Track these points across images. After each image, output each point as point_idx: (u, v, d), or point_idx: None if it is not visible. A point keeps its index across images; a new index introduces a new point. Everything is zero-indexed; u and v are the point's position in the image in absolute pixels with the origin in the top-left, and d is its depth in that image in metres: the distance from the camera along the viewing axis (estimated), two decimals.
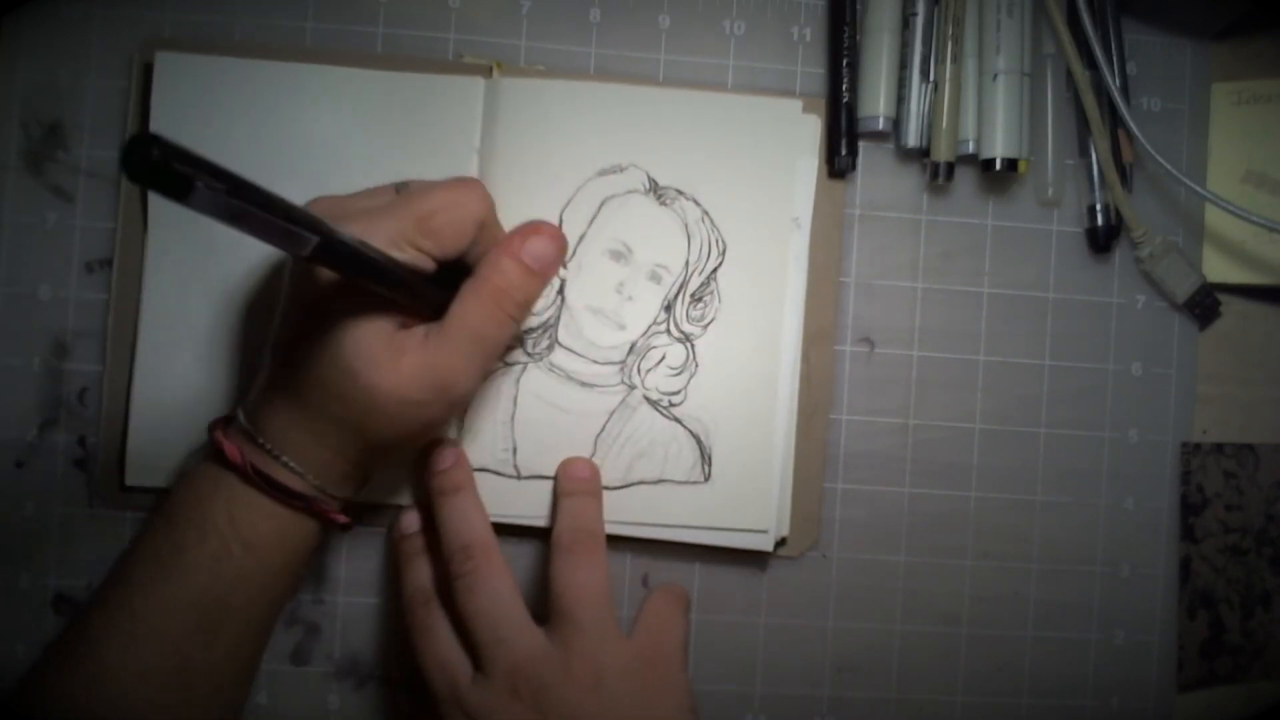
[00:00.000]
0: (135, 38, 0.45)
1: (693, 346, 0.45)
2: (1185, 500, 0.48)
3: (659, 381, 0.45)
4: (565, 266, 0.45)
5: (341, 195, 0.39)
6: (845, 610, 0.47)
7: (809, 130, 0.46)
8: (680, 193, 0.45)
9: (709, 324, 0.46)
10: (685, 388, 0.45)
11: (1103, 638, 0.48)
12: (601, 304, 0.45)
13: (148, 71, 0.44)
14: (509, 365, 0.45)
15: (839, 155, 0.46)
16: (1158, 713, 0.48)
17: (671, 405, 0.45)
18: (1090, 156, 0.47)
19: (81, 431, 0.45)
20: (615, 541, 0.45)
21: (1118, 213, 0.47)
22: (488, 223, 0.38)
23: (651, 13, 0.47)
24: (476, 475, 0.44)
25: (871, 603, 0.47)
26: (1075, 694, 0.48)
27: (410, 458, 0.44)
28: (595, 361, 0.45)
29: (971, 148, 0.46)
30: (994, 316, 0.48)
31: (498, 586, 0.41)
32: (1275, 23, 0.48)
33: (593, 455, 0.45)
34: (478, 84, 0.45)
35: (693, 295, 0.46)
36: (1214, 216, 0.48)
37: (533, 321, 0.45)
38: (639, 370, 0.45)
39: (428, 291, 0.37)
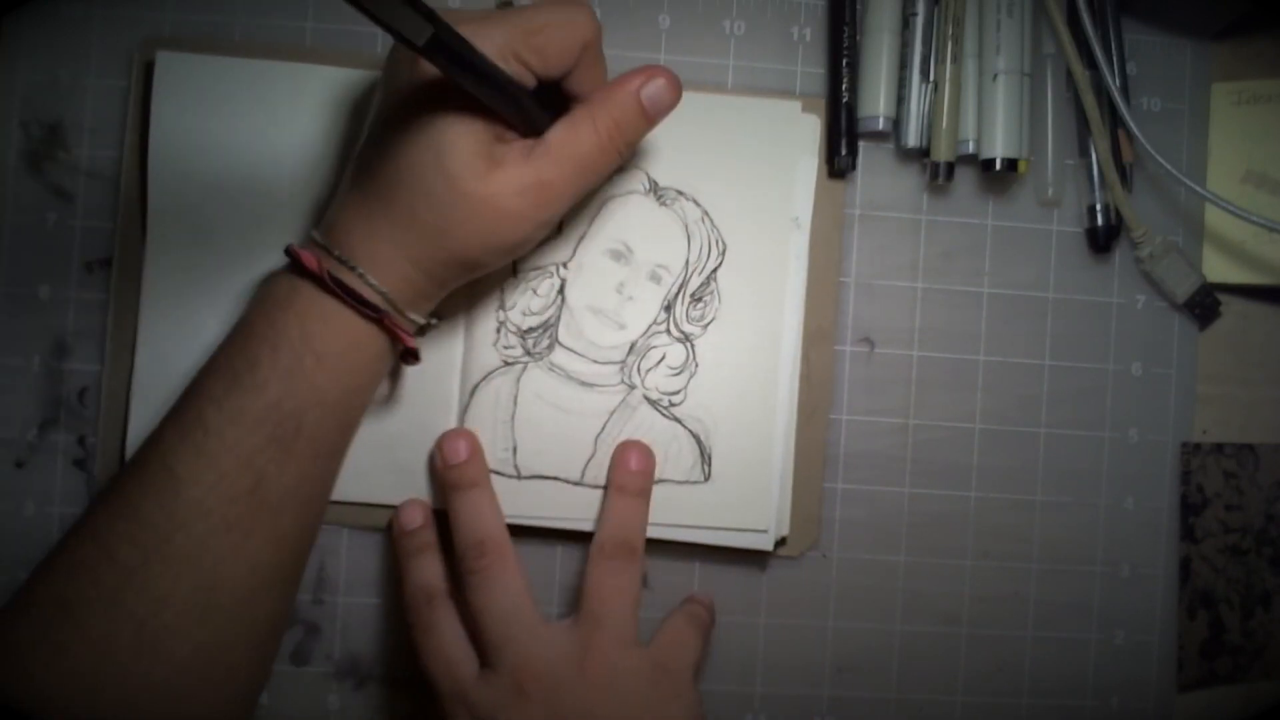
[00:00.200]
0: (135, 37, 0.45)
1: (693, 346, 0.45)
2: (1185, 500, 0.49)
3: (659, 381, 0.45)
4: (565, 266, 0.45)
5: (447, 9, 0.37)
6: (845, 610, 0.47)
7: (809, 130, 0.46)
8: (680, 193, 0.46)
9: (709, 324, 0.46)
10: (685, 388, 0.45)
11: (1103, 638, 0.48)
12: (602, 304, 0.45)
13: (148, 71, 0.44)
14: (509, 365, 0.45)
15: (839, 155, 0.46)
16: (1158, 713, 0.48)
17: (671, 405, 0.45)
18: (1090, 156, 0.48)
19: (81, 431, 0.45)
20: None
21: (1118, 213, 0.47)
22: (592, 47, 0.37)
23: (651, 13, 0.47)
24: None
25: (871, 603, 0.47)
26: (1075, 694, 0.48)
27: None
28: (595, 361, 0.45)
29: (971, 148, 0.46)
30: (994, 316, 0.48)
31: (510, 584, 0.41)
32: (1275, 23, 0.48)
33: (593, 455, 0.45)
34: None
35: (693, 295, 0.46)
36: (1214, 216, 0.48)
37: (533, 321, 0.45)
38: (639, 370, 0.45)
39: (531, 107, 0.37)
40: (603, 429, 0.45)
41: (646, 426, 0.45)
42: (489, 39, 0.35)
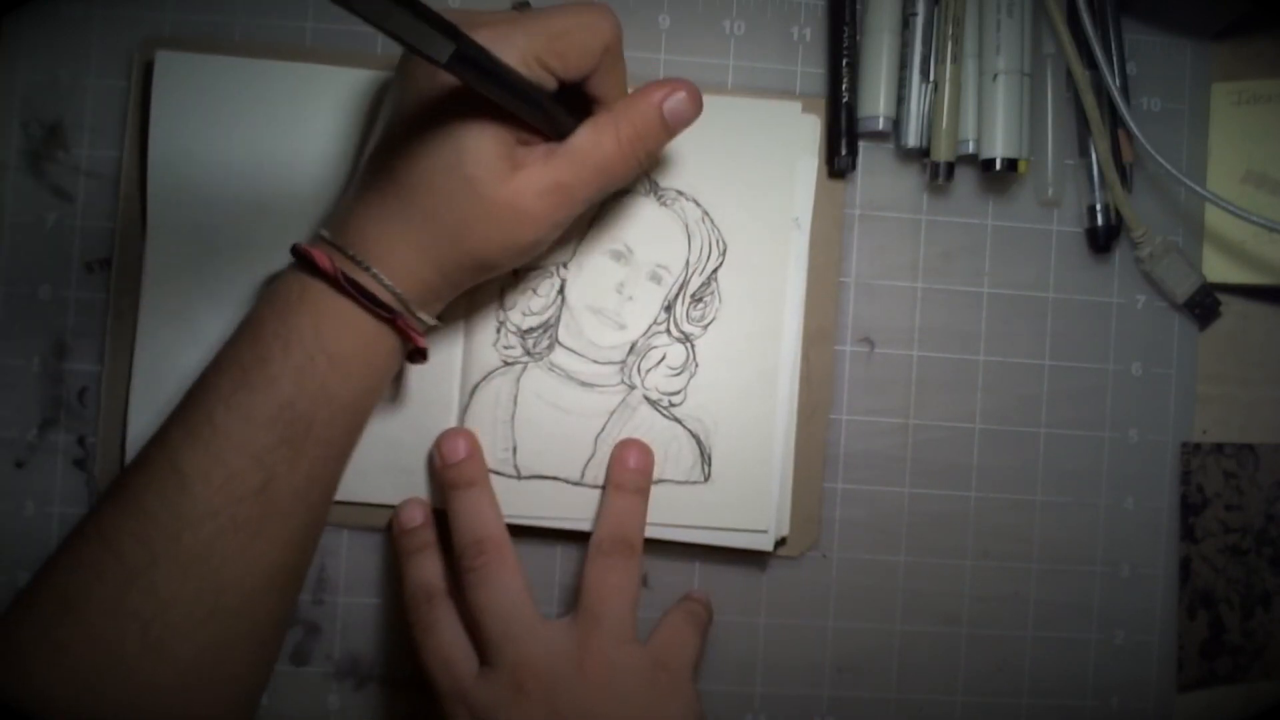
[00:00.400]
0: (135, 37, 0.45)
1: (693, 346, 0.45)
2: (1185, 500, 0.49)
3: (659, 381, 0.45)
4: (565, 266, 0.45)
5: (464, 9, 0.38)
6: (845, 610, 0.47)
7: (809, 130, 0.46)
8: (680, 193, 0.46)
9: (709, 324, 0.46)
10: (685, 388, 0.45)
11: (1103, 638, 0.48)
12: (602, 304, 0.45)
13: (148, 71, 0.44)
14: (509, 365, 0.45)
15: (839, 155, 0.46)
16: (1158, 713, 0.48)
17: (671, 405, 0.45)
18: (1090, 156, 0.48)
19: (81, 431, 0.45)
20: None
21: (1118, 213, 0.47)
22: (613, 50, 0.38)
23: (651, 13, 0.47)
24: None
25: (871, 603, 0.47)
26: (1075, 694, 0.48)
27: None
28: (595, 361, 0.45)
29: (971, 148, 0.46)
30: (994, 316, 0.48)
31: (509, 582, 0.41)
32: (1275, 23, 0.48)
33: (593, 455, 0.45)
34: None
35: (693, 295, 0.46)
36: (1214, 216, 0.48)
37: (533, 321, 0.45)
38: (639, 370, 0.45)
39: (554, 110, 0.37)
40: (603, 429, 0.45)
41: (646, 427, 0.45)
42: (511, 46, 0.35)
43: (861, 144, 0.47)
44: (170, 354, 0.44)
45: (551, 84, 0.37)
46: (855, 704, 0.47)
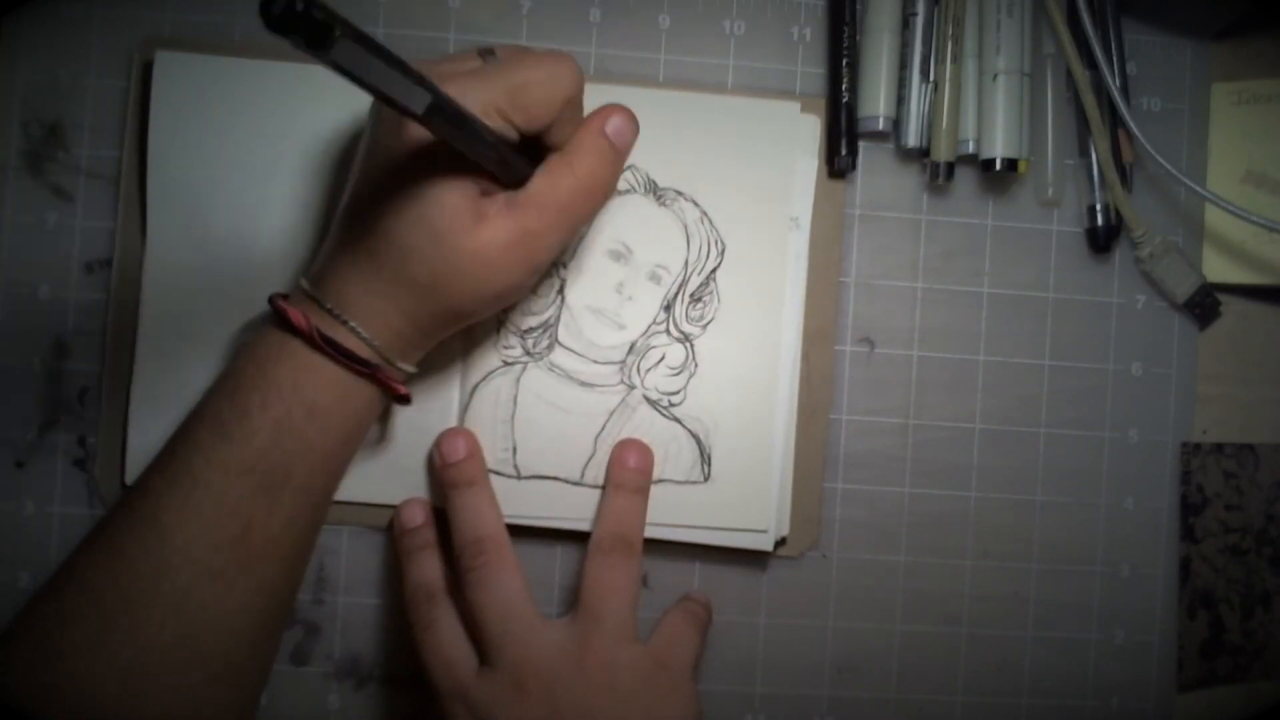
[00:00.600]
0: (135, 37, 0.45)
1: (692, 346, 0.45)
2: (1185, 500, 0.48)
3: (659, 381, 0.45)
4: (565, 266, 0.45)
5: (427, 59, 0.38)
6: (845, 610, 0.47)
7: (809, 130, 0.46)
8: (680, 193, 0.46)
9: (708, 324, 0.46)
10: (685, 388, 0.45)
11: (1103, 638, 0.48)
12: (601, 304, 0.45)
13: (148, 71, 0.44)
14: (509, 365, 0.45)
15: (839, 155, 0.46)
16: (1158, 713, 0.48)
17: (671, 405, 0.45)
18: (1090, 156, 0.47)
19: (81, 431, 0.45)
20: None
21: (1118, 213, 0.47)
22: (574, 102, 0.38)
23: (651, 13, 0.47)
24: None
25: (871, 603, 0.47)
26: (1075, 694, 0.48)
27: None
28: (595, 361, 0.45)
29: (971, 148, 0.46)
30: (994, 316, 0.48)
31: (509, 581, 0.41)
32: (1275, 23, 0.48)
33: (592, 455, 0.45)
34: None
35: (692, 295, 0.46)
36: (1214, 216, 0.48)
37: (532, 321, 0.45)
38: (639, 370, 0.45)
39: (516, 160, 0.37)
40: (602, 429, 0.45)
41: (646, 426, 0.45)
42: (474, 97, 0.35)
43: (861, 144, 0.47)
44: (170, 354, 0.44)
45: (513, 135, 0.37)
46: (855, 704, 0.47)
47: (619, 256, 0.45)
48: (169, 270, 0.44)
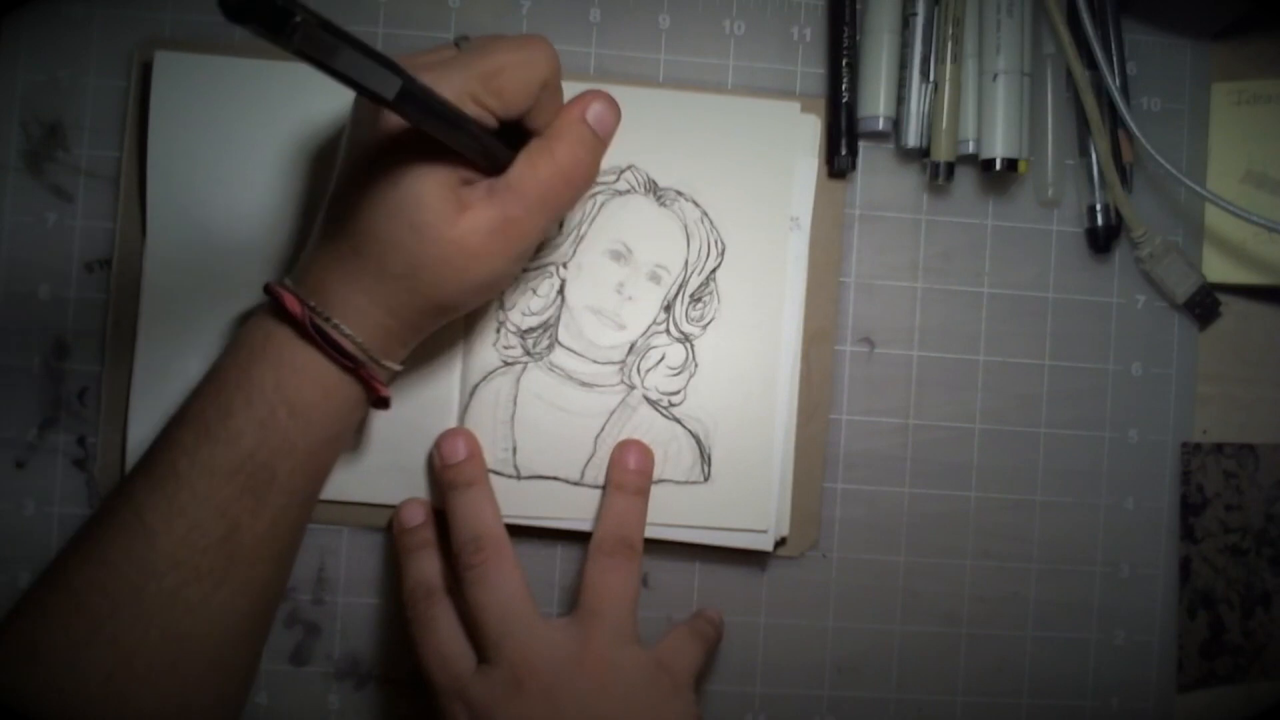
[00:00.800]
0: (135, 38, 0.45)
1: (692, 346, 0.45)
2: (1185, 500, 0.48)
3: (659, 381, 0.45)
4: (565, 267, 0.45)
5: (405, 54, 0.38)
6: (845, 610, 0.47)
7: (808, 130, 0.46)
8: (680, 193, 0.46)
9: (708, 324, 0.46)
10: (685, 388, 0.45)
11: (1103, 638, 0.48)
12: (601, 304, 0.45)
13: (147, 71, 0.44)
14: (509, 365, 0.45)
15: (839, 155, 0.46)
16: (1158, 713, 0.48)
17: (671, 405, 0.45)
18: (1090, 156, 0.47)
19: (81, 431, 0.45)
20: None
21: (1118, 213, 0.47)
22: (551, 85, 0.38)
23: (651, 13, 0.47)
24: None
25: (871, 603, 0.47)
26: (1075, 694, 0.48)
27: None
28: (595, 361, 0.45)
29: (971, 148, 0.46)
30: (994, 316, 0.48)
31: (508, 579, 0.41)
32: (1275, 23, 0.48)
33: (592, 455, 0.45)
34: None
35: (692, 295, 0.46)
36: (1214, 216, 0.48)
37: (532, 321, 0.45)
38: (639, 370, 0.45)
39: (495, 146, 0.37)
40: (602, 429, 0.45)
41: (646, 426, 0.45)
42: (449, 84, 0.35)
43: (861, 144, 0.47)
44: (170, 354, 0.44)
45: (492, 121, 0.37)
46: (855, 704, 0.47)
47: (619, 256, 0.45)
48: (169, 270, 0.44)
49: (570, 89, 0.45)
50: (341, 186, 0.38)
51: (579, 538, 0.45)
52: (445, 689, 0.41)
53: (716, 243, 0.46)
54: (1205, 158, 0.49)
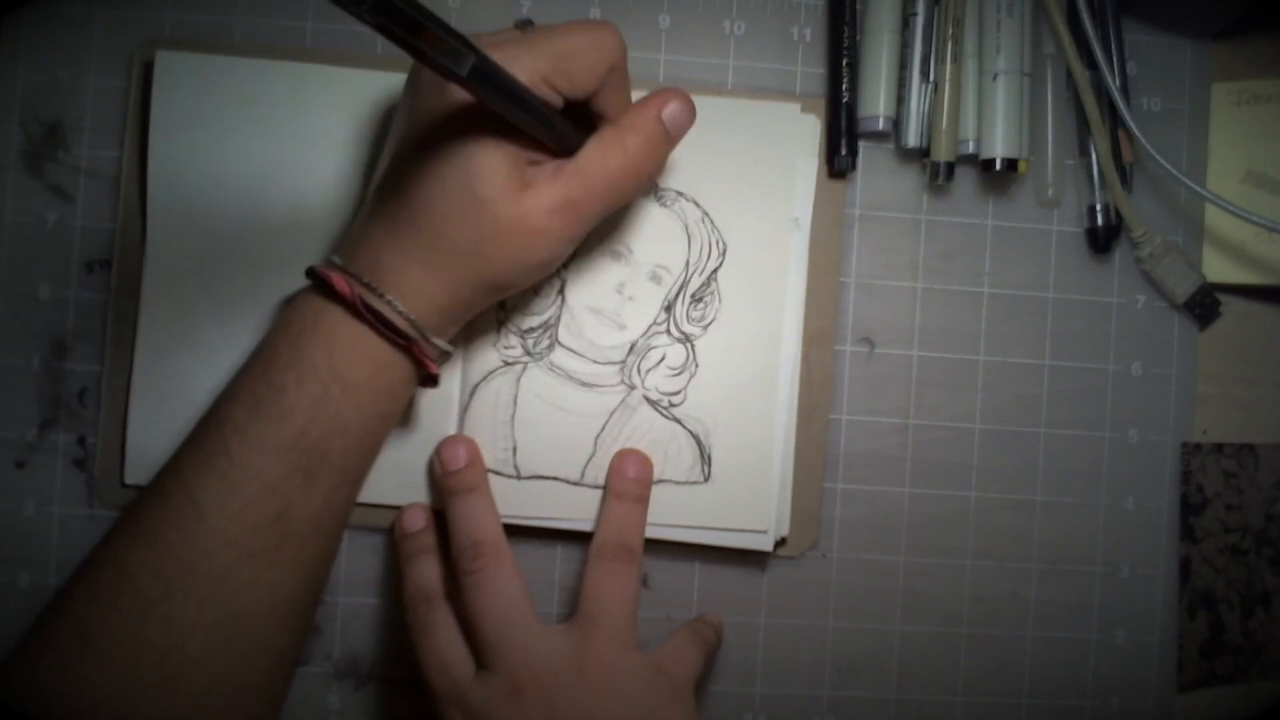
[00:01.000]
0: (135, 37, 0.45)
1: (693, 347, 0.45)
2: (1185, 500, 0.49)
3: (659, 381, 0.45)
4: (565, 267, 0.45)
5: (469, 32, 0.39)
6: (845, 610, 0.47)
7: (809, 130, 0.46)
8: (680, 194, 0.46)
9: (709, 324, 0.46)
10: (685, 388, 0.45)
11: (1103, 638, 0.48)
12: (602, 304, 0.45)
13: (148, 71, 0.44)
14: (509, 365, 0.45)
15: (839, 155, 0.46)
16: (1158, 713, 0.48)
17: (671, 405, 0.45)
18: (1090, 156, 0.48)
19: (81, 431, 0.45)
20: None
21: (1118, 213, 0.47)
22: (619, 69, 0.38)
23: (651, 13, 0.47)
24: None
25: (871, 603, 0.47)
26: (1075, 694, 0.48)
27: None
28: (595, 361, 0.45)
29: (971, 148, 0.46)
30: (994, 316, 0.48)
31: (507, 585, 0.41)
32: (1275, 23, 0.48)
33: (593, 455, 0.45)
34: None
35: (693, 296, 0.46)
36: (1214, 216, 0.48)
37: (533, 321, 0.45)
38: (639, 370, 0.45)
39: (564, 128, 0.37)
40: (602, 429, 0.45)
41: (646, 427, 0.45)
42: (519, 64, 0.35)
43: (861, 144, 0.47)
44: (170, 354, 0.44)
45: (559, 102, 0.37)
46: (855, 704, 0.47)
47: (619, 256, 0.45)
48: (169, 270, 0.44)
49: None
50: (400, 158, 0.38)
51: (579, 538, 0.45)
52: (444, 695, 0.40)
53: (718, 243, 0.46)
54: (1205, 158, 0.49)
